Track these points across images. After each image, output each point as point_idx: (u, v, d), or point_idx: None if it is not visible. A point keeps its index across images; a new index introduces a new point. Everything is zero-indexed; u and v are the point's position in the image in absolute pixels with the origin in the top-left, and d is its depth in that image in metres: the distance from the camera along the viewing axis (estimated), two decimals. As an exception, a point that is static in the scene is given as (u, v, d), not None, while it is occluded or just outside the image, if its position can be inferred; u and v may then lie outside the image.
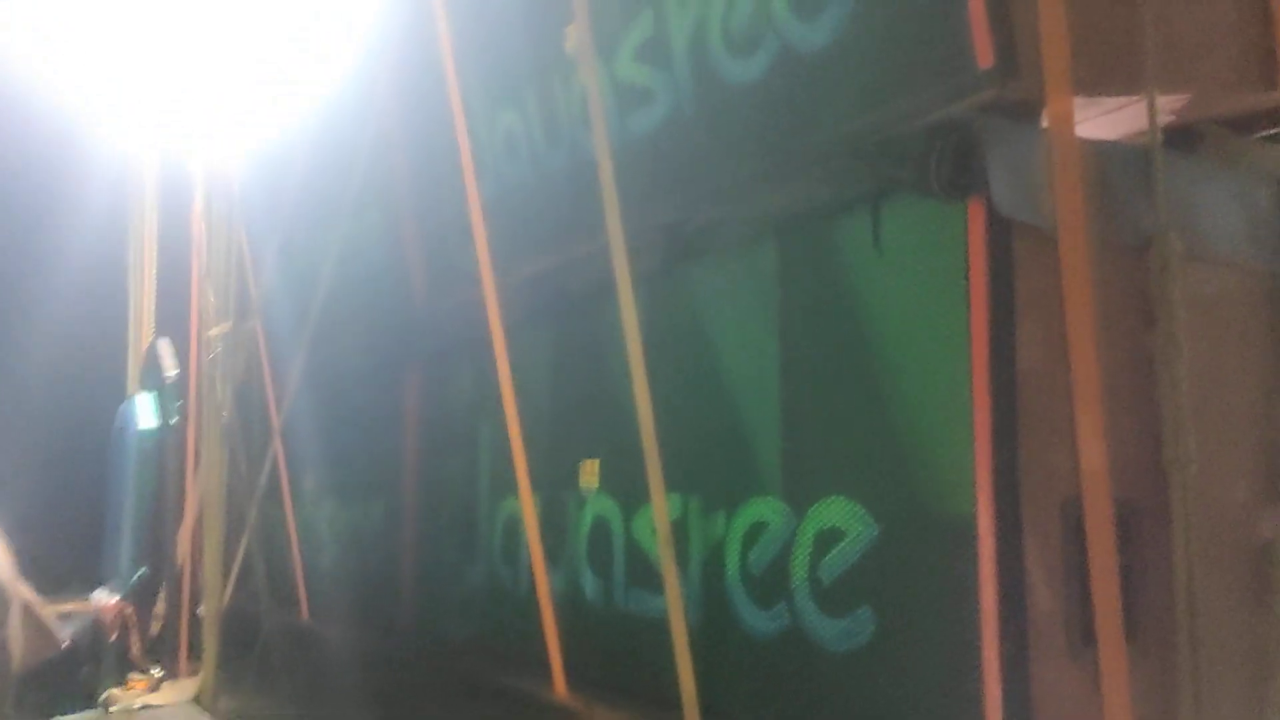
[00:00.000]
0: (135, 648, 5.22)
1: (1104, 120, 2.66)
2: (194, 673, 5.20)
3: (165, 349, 5.52)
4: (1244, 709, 2.51)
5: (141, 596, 5.34)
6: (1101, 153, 2.47)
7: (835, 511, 2.70)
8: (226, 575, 5.10)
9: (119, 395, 6.14)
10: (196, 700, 4.93)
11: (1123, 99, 2.56)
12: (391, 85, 4.73)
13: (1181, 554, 2.37)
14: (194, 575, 5.72)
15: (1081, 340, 2.31)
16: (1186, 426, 2.38)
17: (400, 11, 4.55)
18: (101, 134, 6.31)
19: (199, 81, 5.64)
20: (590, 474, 3.64)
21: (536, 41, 3.80)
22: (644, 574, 3.34)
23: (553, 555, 3.74)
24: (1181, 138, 2.72)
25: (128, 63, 5.98)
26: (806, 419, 2.81)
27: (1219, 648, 2.41)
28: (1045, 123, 2.38)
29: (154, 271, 6.14)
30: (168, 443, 5.46)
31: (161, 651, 5.44)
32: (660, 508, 3.05)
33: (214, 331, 5.31)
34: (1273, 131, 2.79)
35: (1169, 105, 2.65)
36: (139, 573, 5.35)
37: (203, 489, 5.31)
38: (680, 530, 3.16)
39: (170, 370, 5.46)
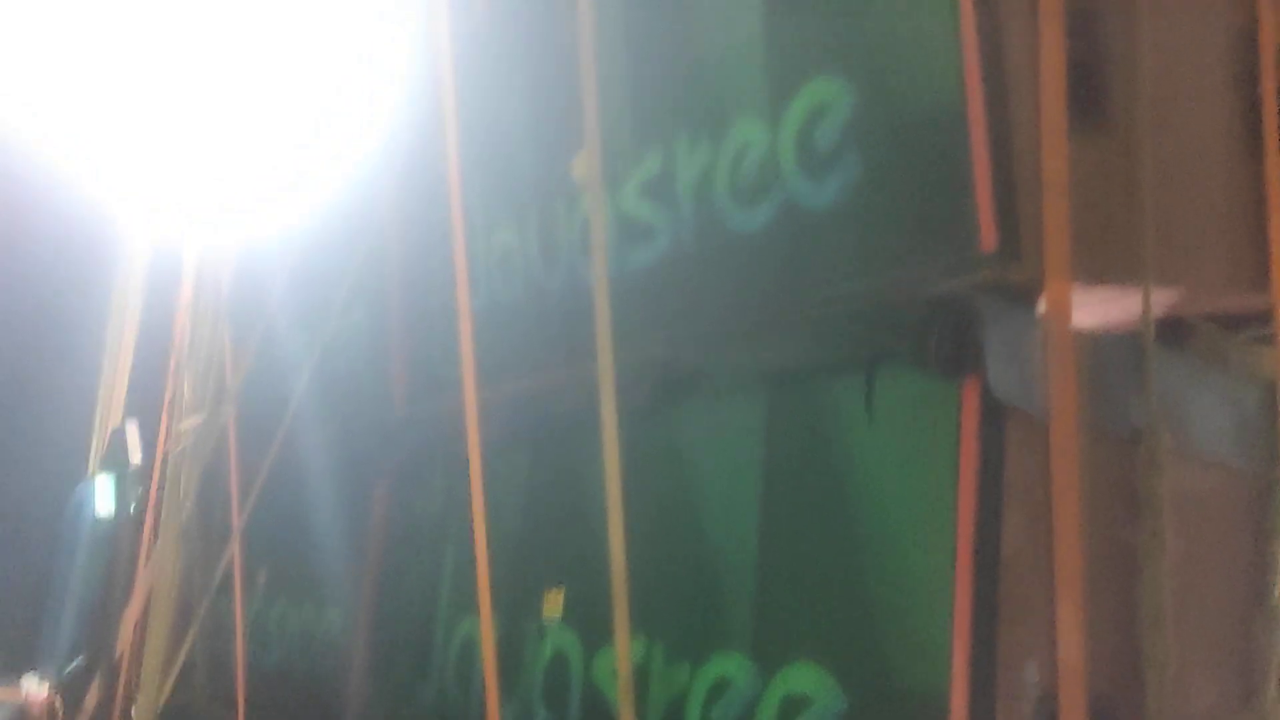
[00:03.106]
0: (60, 742, 5.01)
1: (1095, 307, 2.69)
2: (119, 773, 4.98)
3: (132, 434, 5.42)
4: None
5: (72, 688, 5.14)
6: (1095, 342, 2.48)
7: (804, 678, 2.62)
8: (167, 674, 4.92)
9: (75, 473, 6.01)
10: (118, 804, 4.71)
11: (1118, 290, 2.58)
12: (393, 191, 4.76)
13: (1156, 758, 2.31)
14: (131, 670, 5.51)
15: (1067, 530, 2.28)
16: (1166, 626, 2.34)
17: (410, 120, 4.61)
18: (95, 210, 6.32)
19: (200, 169, 5.67)
20: (554, 605, 3.56)
21: (543, 164, 3.85)
22: (600, 717, 3.23)
23: (507, 685, 3.62)
24: (1172, 332, 2.74)
25: (132, 143, 6.02)
26: (782, 578, 2.76)
27: None
28: (1042, 308, 2.40)
29: (130, 353, 6.08)
30: (123, 531, 5.33)
31: (87, 749, 5.22)
32: (624, 654, 2.97)
33: (186, 424, 5.22)
34: (1262, 333, 2.82)
35: (1162, 300, 2.68)
36: (74, 663, 5.16)
37: (153, 583, 5.16)
38: (641, 676, 3.07)
39: (135, 456, 5.36)
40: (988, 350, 2.28)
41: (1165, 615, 2.33)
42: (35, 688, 4.96)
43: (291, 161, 5.30)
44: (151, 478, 5.67)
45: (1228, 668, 2.53)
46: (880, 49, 2.66)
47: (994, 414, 2.31)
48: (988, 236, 2.33)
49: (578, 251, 3.59)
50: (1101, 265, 2.46)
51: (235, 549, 5.16)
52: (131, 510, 5.36)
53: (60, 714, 5.01)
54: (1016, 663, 2.27)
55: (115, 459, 5.44)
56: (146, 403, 5.96)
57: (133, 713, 5.04)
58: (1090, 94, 2.50)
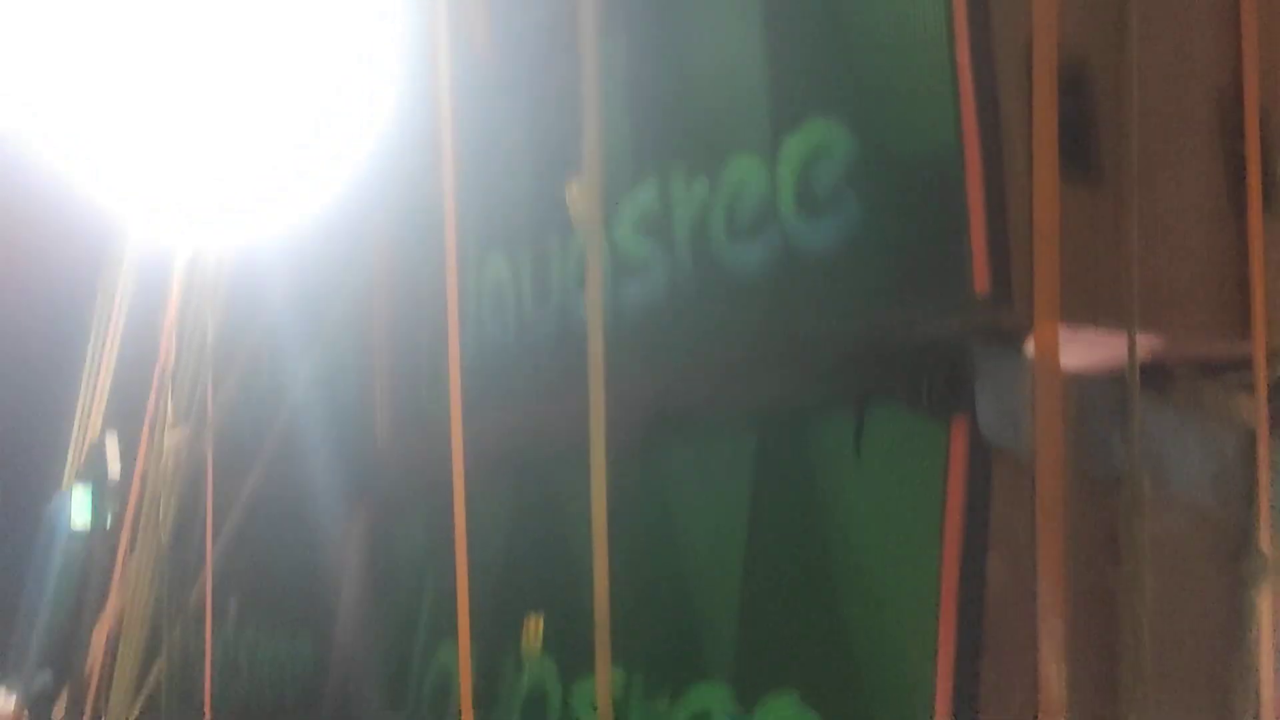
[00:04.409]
0: (23, 757, 4.93)
1: (1082, 351, 2.74)
2: (82, 793, 4.91)
3: (112, 446, 5.38)
4: None
5: (39, 703, 5.06)
6: (1080, 386, 2.53)
7: (785, 711, 2.63)
8: (136, 693, 4.86)
9: (51, 484, 5.95)
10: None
11: (1103, 333, 2.64)
12: (385, 219, 4.77)
13: (1133, 800, 2.34)
14: (99, 688, 5.44)
15: (1051, 572, 2.32)
16: (1146, 669, 2.38)
17: (404, 148, 4.63)
18: (81, 219, 6.29)
19: (191, 181, 5.66)
20: (533, 636, 3.55)
21: (537, 197, 3.87)
22: (579, 749, 3.23)
23: (483, 716, 3.61)
24: (1154, 378, 2.80)
25: (120, 152, 6.00)
26: (766, 612, 2.77)
27: None
28: (1031, 351, 2.45)
29: (113, 365, 6.04)
30: (97, 545, 5.27)
31: (51, 766, 5.14)
32: (604, 685, 2.98)
33: (169, 439, 5.19)
34: (1242, 380, 2.88)
35: (1145, 345, 2.74)
36: (41, 677, 5.09)
37: (126, 602, 5.10)
38: (620, 708, 3.07)
39: (114, 470, 5.32)
40: (977, 391, 2.33)
41: (1144, 655, 2.37)
42: (2, 700, 4.88)
43: (281, 184, 5.31)
44: (129, 492, 5.62)
45: (1205, 708, 2.57)
46: (878, 94, 2.71)
47: (981, 454, 2.35)
48: (980, 280, 2.38)
49: (571, 285, 3.61)
50: (1089, 311, 2.52)
51: (207, 575, 5.12)
52: (107, 524, 5.30)
53: (26, 731, 4.93)
54: (999, 699, 2.29)
55: (93, 471, 5.39)
56: (127, 415, 5.91)
57: (101, 731, 4.97)
58: (1081, 147, 2.57)
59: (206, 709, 5.11)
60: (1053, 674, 2.31)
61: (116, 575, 5.61)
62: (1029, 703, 2.30)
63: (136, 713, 4.93)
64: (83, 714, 5.35)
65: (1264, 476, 2.69)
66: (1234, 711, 2.57)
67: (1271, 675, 2.64)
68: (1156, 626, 2.42)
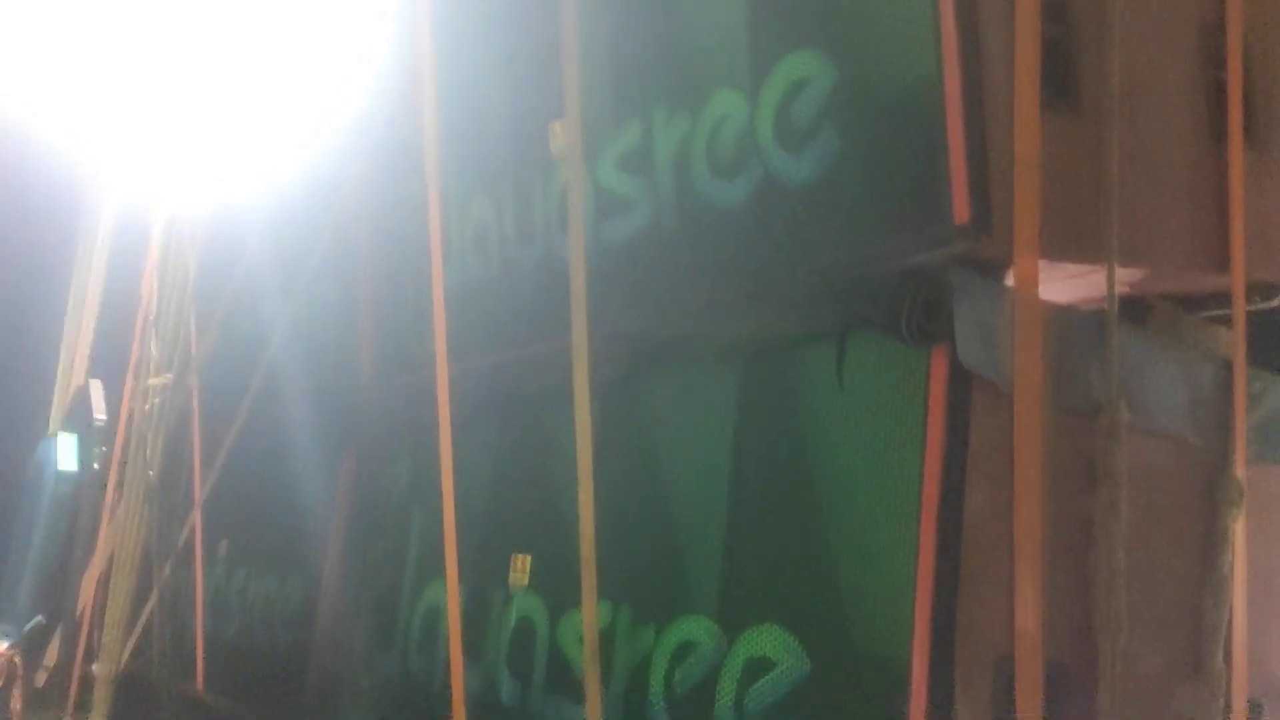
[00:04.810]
0: (18, 699, 4.97)
1: (1060, 284, 2.76)
2: (77, 732, 4.96)
3: (96, 391, 5.38)
4: None
5: (32, 645, 5.10)
6: (1060, 317, 2.54)
7: (768, 640, 2.67)
8: (128, 635, 4.89)
9: (37, 431, 5.94)
10: (77, 762, 4.69)
11: (1083, 266, 2.65)
12: (368, 159, 4.74)
13: (1106, 721, 2.39)
14: (92, 630, 5.48)
15: (1027, 500, 2.35)
16: (1120, 594, 2.42)
17: (386, 89, 4.59)
18: (62, 166, 6.23)
19: (171, 126, 5.61)
20: (521, 571, 3.59)
21: (520, 136, 3.85)
22: (565, 681, 3.27)
23: (472, 651, 3.65)
24: (1133, 309, 2.82)
25: (102, 99, 5.93)
26: (749, 543, 2.80)
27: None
28: (1010, 282, 2.46)
29: (96, 310, 6.01)
30: (85, 489, 5.28)
31: (46, 705, 5.18)
32: (590, 617, 3.01)
33: (154, 381, 5.18)
34: (1220, 313, 2.90)
35: (1125, 277, 2.75)
36: (34, 620, 5.12)
37: (116, 543, 5.13)
38: (607, 640, 3.11)
39: (99, 414, 5.31)
40: (957, 321, 2.34)
41: (1119, 583, 2.41)
42: (-5, 643, 4.92)
43: (265, 126, 5.26)
44: (115, 436, 5.63)
45: (1178, 635, 2.62)
46: (859, 26, 2.69)
47: (961, 384, 2.37)
48: (960, 210, 2.38)
49: (554, 224, 3.60)
50: (1068, 242, 2.53)
51: (197, 517, 5.14)
52: (94, 468, 5.31)
53: (20, 671, 4.97)
54: (976, 625, 2.33)
55: (79, 417, 5.39)
56: (111, 361, 5.90)
57: (93, 671, 5.01)
58: (1062, 77, 2.56)
59: (199, 649, 5.16)
60: (1029, 599, 2.34)
61: (105, 518, 5.64)
62: (1005, 628, 2.34)
63: (128, 654, 4.97)
64: (75, 656, 5.40)
65: (1240, 406, 2.72)
66: (1207, 636, 2.61)
67: (1244, 601, 2.68)
68: (1132, 553, 2.45)
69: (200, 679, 5.15)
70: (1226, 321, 2.84)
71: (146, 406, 5.23)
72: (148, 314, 5.55)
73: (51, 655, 5.29)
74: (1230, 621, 2.65)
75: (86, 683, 5.13)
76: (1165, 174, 2.73)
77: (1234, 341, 2.77)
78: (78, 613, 5.44)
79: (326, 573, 4.66)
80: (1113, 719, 2.38)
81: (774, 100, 2.85)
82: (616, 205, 3.34)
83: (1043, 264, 2.44)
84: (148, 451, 4.97)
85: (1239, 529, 2.66)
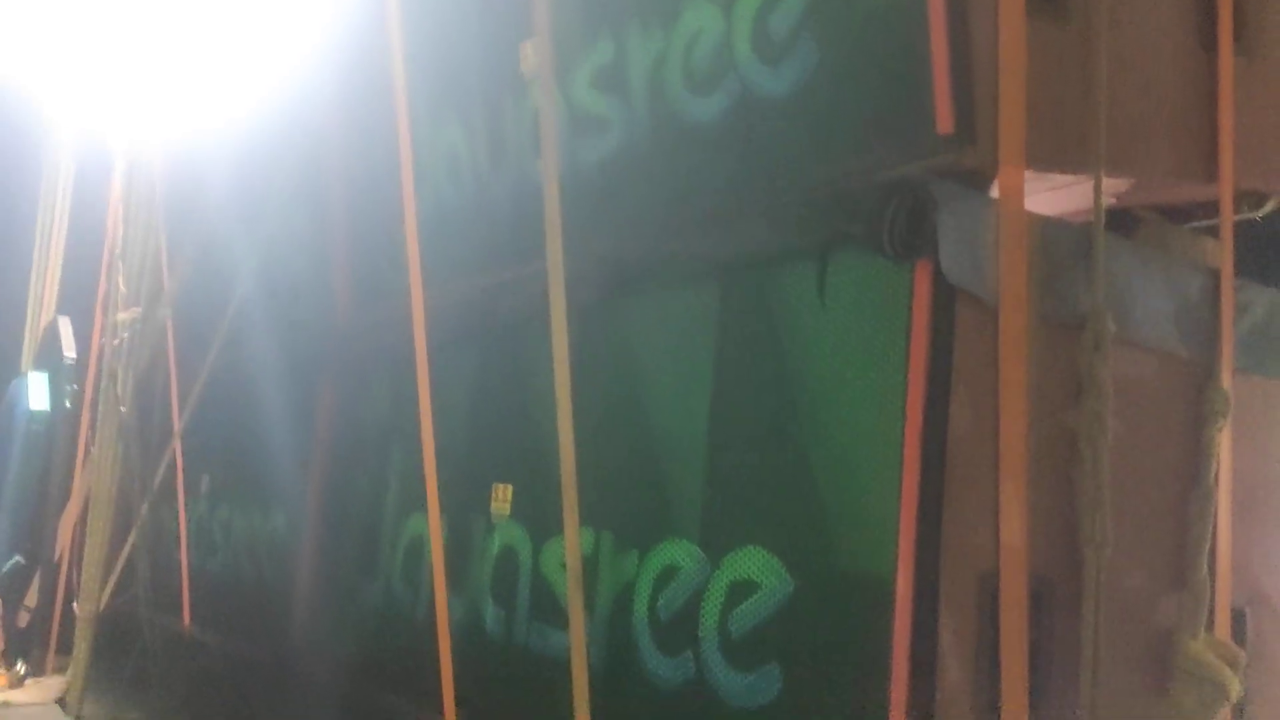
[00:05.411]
0: (-1, 640, 4.96)
1: (1046, 196, 2.70)
2: (61, 671, 4.95)
3: (65, 329, 5.28)
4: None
5: (12, 586, 5.07)
6: (1045, 229, 2.49)
7: (751, 563, 2.65)
8: (108, 573, 4.87)
9: (7, 373, 5.86)
10: (61, 702, 4.68)
11: (1069, 177, 2.60)
12: (335, 87, 4.62)
13: (1090, 635, 2.38)
14: (71, 569, 5.45)
15: (1012, 414, 2.31)
16: (1104, 507, 2.40)
17: (352, 13, 4.45)
18: (22, 100, 6.06)
19: (132, 58, 5.45)
20: (502, 500, 3.56)
21: (490, 57, 3.74)
22: (548, 609, 3.26)
23: (455, 580, 3.64)
24: (1120, 221, 2.77)
25: (58, 30, 5.76)
26: (731, 465, 2.77)
27: (1119, 730, 2.42)
28: (995, 193, 2.40)
29: (62, 247, 5.89)
30: (58, 427, 5.22)
31: (28, 646, 5.17)
32: (573, 544, 2.99)
33: (123, 316, 5.09)
34: (1207, 223, 2.86)
35: (1111, 188, 2.70)
36: (12, 560, 5.09)
37: (92, 481, 5.07)
38: (590, 566, 3.09)
39: (69, 352, 5.23)
40: (940, 234, 2.28)
41: (1103, 497, 2.39)
42: (-27, 588, 4.90)
43: (230, 53, 5.12)
44: (87, 373, 5.55)
45: (1163, 548, 2.61)
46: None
47: (945, 297, 2.31)
48: (944, 120, 2.31)
49: (527, 147, 3.51)
50: (1054, 152, 2.46)
51: (176, 451, 5.09)
52: (67, 406, 5.24)
53: (0, 612, 4.95)
54: (960, 541, 2.31)
55: (48, 355, 5.30)
56: (80, 298, 5.80)
57: (74, 610, 4.99)
58: (1048, -18, 2.48)
59: (184, 585, 5.14)
60: (1014, 514, 2.32)
61: (80, 457, 5.58)
62: (990, 544, 2.32)
63: (108, 593, 4.95)
64: (55, 598, 5.38)
65: (1227, 317, 2.69)
66: (1191, 549, 2.61)
67: (1229, 512, 2.68)
68: (1116, 466, 2.43)
69: (186, 614, 5.15)
70: (1215, 232, 2.79)
71: (115, 342, 5.14)
72: (114, 248, 5.43)
73: (32, 597, 5.27)
74: (1215, 533, 2.64)
75: (69, 621, 5.11)
76: (1153, 82, 2.66)
77: (1222, 251, 2.73)
78: (57, 554, 5.41)
79: (308, 504, 4.63)
80: (1096, 634, 2.37)
81: (750, 12, 2.77)
82: (590, 125, 3.25)
83: (1028, 175, 2.38)
84: (119, 388, 4.89)
85: (1224, 440, 2.64)
